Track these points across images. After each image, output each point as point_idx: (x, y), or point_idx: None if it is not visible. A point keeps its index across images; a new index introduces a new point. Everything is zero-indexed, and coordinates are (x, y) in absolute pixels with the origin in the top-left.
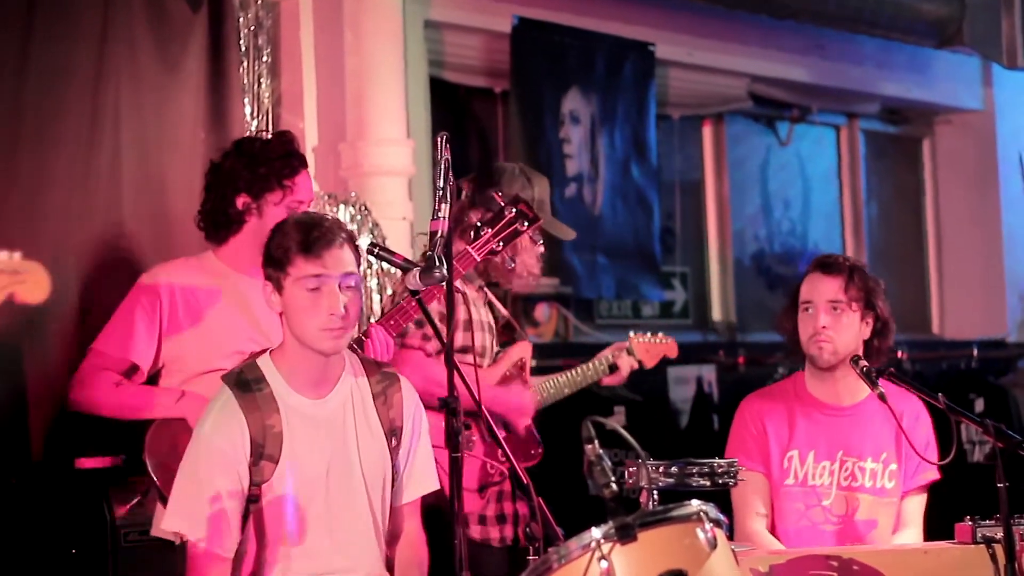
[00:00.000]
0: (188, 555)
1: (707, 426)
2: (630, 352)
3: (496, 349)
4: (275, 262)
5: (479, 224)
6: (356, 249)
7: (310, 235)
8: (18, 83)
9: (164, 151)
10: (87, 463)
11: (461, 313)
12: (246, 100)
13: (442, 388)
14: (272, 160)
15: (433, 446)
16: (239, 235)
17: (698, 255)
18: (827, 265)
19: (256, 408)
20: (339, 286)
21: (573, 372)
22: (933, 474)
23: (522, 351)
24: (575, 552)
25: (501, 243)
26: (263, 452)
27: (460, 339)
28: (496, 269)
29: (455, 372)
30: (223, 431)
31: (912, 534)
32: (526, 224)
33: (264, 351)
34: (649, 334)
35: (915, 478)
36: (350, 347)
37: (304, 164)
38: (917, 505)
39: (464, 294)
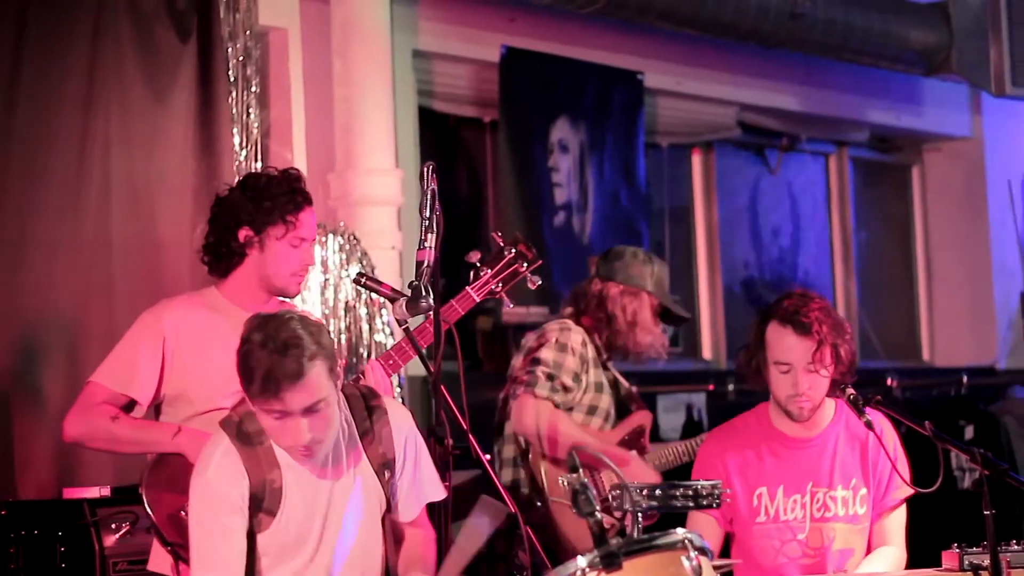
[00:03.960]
0: None
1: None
2: None
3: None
4: (247, 391)
5: (478, 264)
6: (329, 360)
7: (270, 376)
8: (7, 113)
9: (153, 181)
10: (75, 493)
11: (592, 376)
12: (235, 130)
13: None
14: (277, 195)
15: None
16: (241, 268)
17: (688, 283)
18: (801, 325)
19: (257, 462)
20: (304, 413)
21: (693, 442)
22: (907, 490)
23: (642, 419)
24: None
25: (500, 283)
26: (262, 506)
27: (589, 399)
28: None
29: (444, 403)
30: (226, 477)
31: (894, 552)
32: (525, 265)
33: None
34: None
35: (888, 497)
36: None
37: (309, 202)
38: (897, 523)
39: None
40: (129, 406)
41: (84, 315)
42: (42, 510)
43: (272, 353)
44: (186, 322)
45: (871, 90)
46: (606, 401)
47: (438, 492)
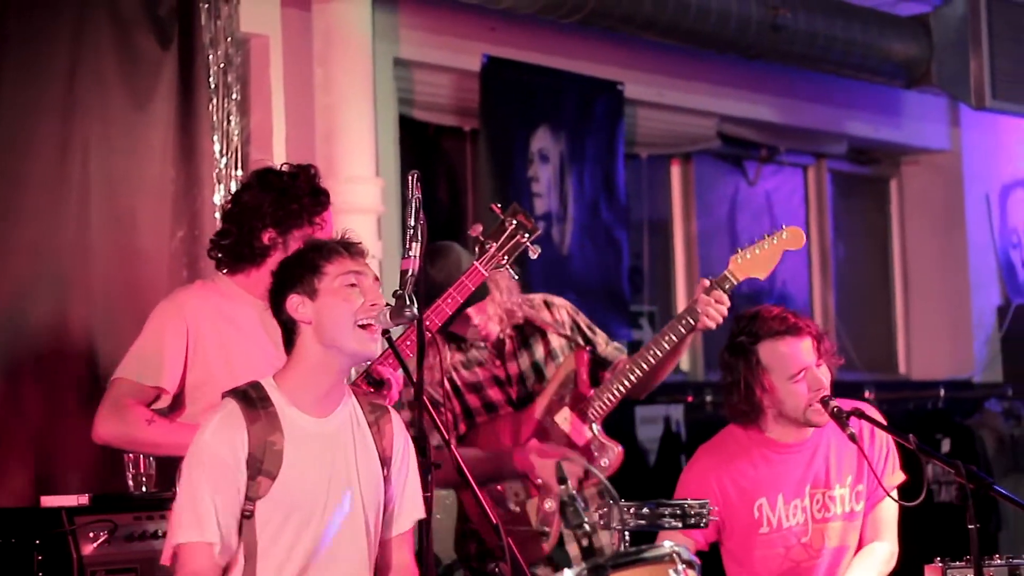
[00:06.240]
0: (178, 554)
1: (675, 465)
2: (718, 285)
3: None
4: (309, 266)
5: (482, 238)
6: None
7: (346, 240)
8: None
9: (133, 188)
10: (52, 501)
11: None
12: (215, 137)
13: None
14: (302, 196)
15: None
16: (260, 268)
17: (666, 294)
18: (794, 328)
19: (260, 424)
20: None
21: (644, 351)
22: (899, 477)
23: (569, 366)
24: None
25: (505, 255)
26: (260, 467)
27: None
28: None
29: (427, 414)
30: (223, 439)
31: (884, 549)
32: (527, 236)
33: None
34: (757, 240)
35: (880, 488)
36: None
37: (329, 199)
38: (890, 514)
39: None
40: (156, 399)
41: (61, 320)
42: (19, 518)
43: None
44: (208, 310)
45: (850, 102)
46: (458, 406)
47: (421, 511)
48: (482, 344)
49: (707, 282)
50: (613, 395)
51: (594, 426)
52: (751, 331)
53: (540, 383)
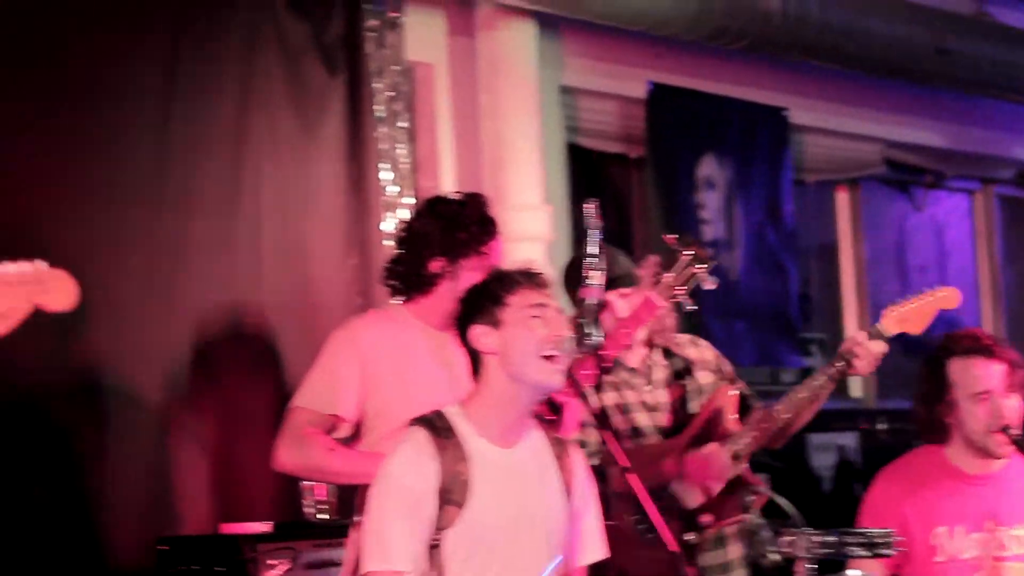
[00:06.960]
0: None
1: (849, 493)
2: (876, 335)
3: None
4: (492, 297)
5: (658, 270)
6: None
7: (530, 271)
8: (160, 149)
9: (303, 216)
10: (234, 528)
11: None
12: (384, 165)
13: None
14: (469, 225)
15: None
16: (430, 295)
17: (835, 321)
18: (988, 350)
19: (448, 454)
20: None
21: (793, 393)
22: None
23: (717, 401)
24: None
25: (682, 287)
26: (450, 497)
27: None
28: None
29: (613, 440)
30: (415, 468)
31: None
32: (701, 267)
33: None
34: (912, 296)
35: None
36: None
37: (497, 228)
38: None
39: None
40: (333, 427)
41: (238, 349)
42: (202, 545)
43: (515, 269)
44: (382, 340)
45: (1017, 127)
46: (624, 421)
47: (601, 550)
48: (631, 367)
49: (860, 335)
50: (759, 435)
51: (740, 463)
52: (946, 346)
53: (686, 415)
